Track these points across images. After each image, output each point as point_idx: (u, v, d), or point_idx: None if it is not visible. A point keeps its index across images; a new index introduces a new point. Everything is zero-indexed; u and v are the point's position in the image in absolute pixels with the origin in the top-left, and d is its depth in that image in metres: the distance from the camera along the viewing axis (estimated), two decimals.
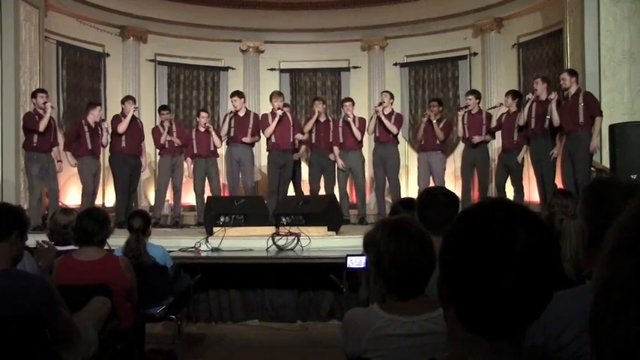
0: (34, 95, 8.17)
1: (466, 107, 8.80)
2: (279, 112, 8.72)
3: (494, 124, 8.60)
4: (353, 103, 9.19)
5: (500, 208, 1.05)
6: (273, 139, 8.82)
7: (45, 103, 8.06)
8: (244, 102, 9.22)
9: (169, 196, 9.40)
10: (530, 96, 8.07)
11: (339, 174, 9.12)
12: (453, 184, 9.22)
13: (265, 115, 8.97)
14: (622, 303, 0.66)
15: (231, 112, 9.00)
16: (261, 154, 10.23)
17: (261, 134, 8.97)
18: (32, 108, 8.21)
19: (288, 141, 8.88)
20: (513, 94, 8.55)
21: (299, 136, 9.01)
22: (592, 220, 1.85)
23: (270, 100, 8.96)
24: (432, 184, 8.51)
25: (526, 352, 1.68)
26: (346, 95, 11.03)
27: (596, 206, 1.85)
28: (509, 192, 8.40)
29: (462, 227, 1.05)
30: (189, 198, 9.80)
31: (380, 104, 8.96)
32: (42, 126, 7.94)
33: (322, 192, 9.10)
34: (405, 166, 10.53)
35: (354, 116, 9.06)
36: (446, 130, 8.93)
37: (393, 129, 8.88)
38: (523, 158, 8.30)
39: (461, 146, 9.32)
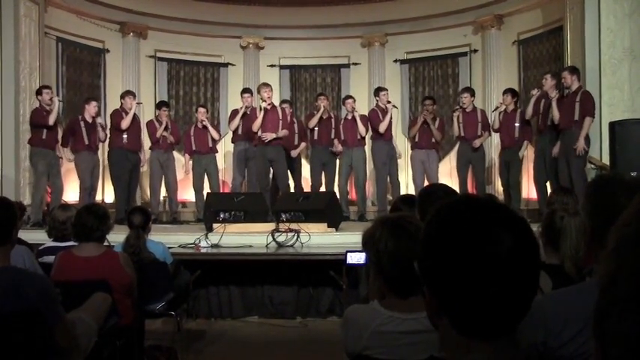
0: (39, 92, 8.16)
1: (460, 107, 8.80)
2: (267, 103, 8.32)
3: (497, 125, 8.56)
4: (354, 100, 9.17)
5: (477, 212, 1.03)
6: (259, 133, 8.36)
7: (51, 98, 8.08)
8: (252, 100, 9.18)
9: (164, 192, 9.37)
10: (534, 92, 8.08)
11: (341, 170, 9.11)
12: (449, 182, 9.19)
13: (253, 109, 8.76)
14: (627, 299, 0.65)
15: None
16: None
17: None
18: (37, 105, 8.19)
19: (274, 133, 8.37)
20: (512, 92, 8.57)
21: (281, 132, 8.39)
22: (595, 217, 1.84)
23: (259, 91, 8.62)
24: (426, 183, 8.49)
25: (525, 350, 1.68)
26: (346, 92, 11.02)
27: (599, 202, 1.84)
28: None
29: (442, 233, 1.04)
30: (188, 194, 9.80)
31: (388, 102, 8.96)
32: (51, 120, 7.96)
33: (323, 188, 9.08)
34: (404, 163, 10.51)
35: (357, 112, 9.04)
36: (440, 128, 8.95)
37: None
38: (523, 155, 8.31)
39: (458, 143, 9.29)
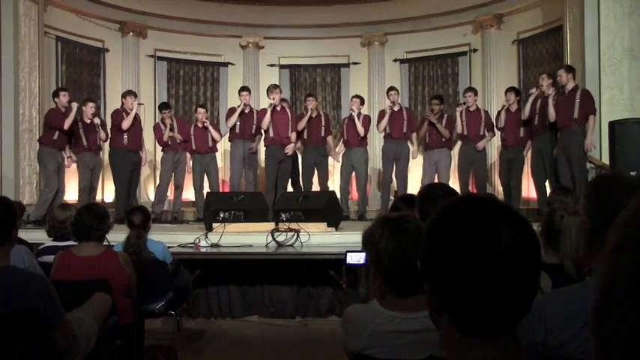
0: (55, 94, 8.23)
1: (464, 104, 8.80)
2: (274, 102, 8.59)
3: (502, 123, 8.53)
4: (362, 102, 9.14)
5: (478, 210, 1.04)
6: (271, 134, 8.72)
7: (69, 102, 8.18)
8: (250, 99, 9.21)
9: (170, 191, 9.39)
10: (533, 91, 8.07)
11: (342, 170, 9.11)
12: (454, 180, 9.19)
13: (264, 109, 8.91)
14: (626, 299, 0.65)
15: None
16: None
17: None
18: (52, 106, 8.24)
19: (286, 136, 8.76)
20: (515, 90, 8.55)
21: (293, 137, 8.82)
22: (595, 216, 1.84)
23: (267, 93, 8.82)
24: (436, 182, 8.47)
25: (525, 349, 1.68)
26: (346, 91, 11.05)
27: (599, 202, 1.84)
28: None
29: (443, 230, 1.04)
30: (188, 194, 9.80)
31: (393, 103, 8.94)
32: (67, 124, 8.06)
33: (315, 188, 9.08)
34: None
35: (360, 112, 9.02)
36: (449, 126, 8.91)
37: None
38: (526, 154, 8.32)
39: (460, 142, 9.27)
